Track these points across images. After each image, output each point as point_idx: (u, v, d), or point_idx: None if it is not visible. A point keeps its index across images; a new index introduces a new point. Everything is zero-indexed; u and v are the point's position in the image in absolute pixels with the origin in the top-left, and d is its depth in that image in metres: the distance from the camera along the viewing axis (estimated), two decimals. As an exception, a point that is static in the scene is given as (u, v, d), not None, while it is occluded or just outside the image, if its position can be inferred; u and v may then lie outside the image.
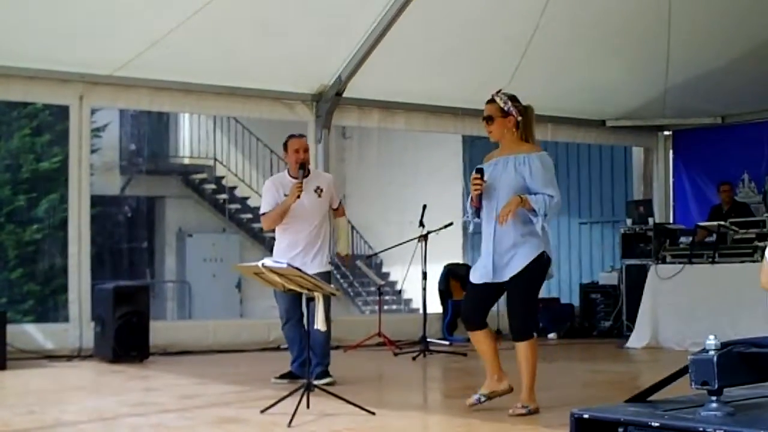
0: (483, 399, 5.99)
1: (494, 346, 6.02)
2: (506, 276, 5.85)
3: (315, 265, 7.24)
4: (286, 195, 7.30)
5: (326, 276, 7.26)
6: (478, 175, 5.93)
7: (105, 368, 8.95)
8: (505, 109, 5.98)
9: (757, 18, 10.77)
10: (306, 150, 7.51)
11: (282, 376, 7.52)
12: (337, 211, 7.76)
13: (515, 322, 5.92)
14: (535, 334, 5.93)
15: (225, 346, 10.38)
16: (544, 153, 6.03)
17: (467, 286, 6.19)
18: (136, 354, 9.27)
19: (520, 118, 5.98)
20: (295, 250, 7.30)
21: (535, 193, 5.82)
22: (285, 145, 7.59)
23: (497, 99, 6.01)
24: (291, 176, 7.46)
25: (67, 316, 10.00)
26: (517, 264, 5.83)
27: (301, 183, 7.22)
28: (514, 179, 5.89)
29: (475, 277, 6.00)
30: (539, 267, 5.88)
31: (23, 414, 6.19)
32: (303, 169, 7.35)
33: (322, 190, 7.46)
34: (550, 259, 5.92)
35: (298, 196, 7.18)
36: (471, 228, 6.44)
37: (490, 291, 5.96)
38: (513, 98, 6.04)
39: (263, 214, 7.50)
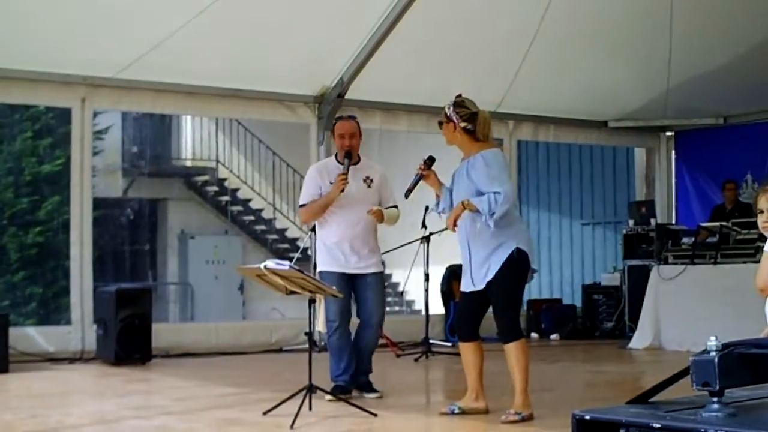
0: (457, 411, 5.95)
1: (479, 362, 5.95)
2: (485, 282, 5.81)
3: (370, 264, 6.76)
4: (332, 183, 6.69)
5: (380, 277, 6.83)
6: (428, 162, 6.08)
7: (107, 371, 8.95)
8: (448, 114, 5.99)
9: (758, 18, 10.76)
10: (353, 135, 6.81)
11: (333, 391, 6.58)
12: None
13: (500, 324, 5.87)
14: (524, 335, 5.91)
15: (227, 349, 10.38)
16: (490, 150, 5.91)
17: (460, 294, 6.15)
18: (138, 356, 9.28)
19: (462, 124, 5.93)
20: (345, 248, 6.74)
21: (483, 193, 5.75)
22: (333, 130, 7.04)
23: (446, 105, 6.02)
24: (338, 161, 6.83)
25: (69, 319, 10.00)
26: (492, 269, 5.78)
27: (346, 173, 6.61)
28: (467, 184, 5.88)
29: (463, 284, 6.00)
30: (515, 265, 5.79)
31: (26, 417, 6.20)
32: (349, 157, 6.70)
33: (372, 181, 6.81)
34: (526, 253, 5.81)
35: (342, 190, 6.60)
36: (440, 215, 6.37)
37: (478, 298, 5.88)
38: (459, 104, 5.99)
39: (302, 206, 6.88)
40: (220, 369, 9.14)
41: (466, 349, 5.98)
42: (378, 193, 6.85)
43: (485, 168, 5.80)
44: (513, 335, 5.81)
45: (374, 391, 6.84)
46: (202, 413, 6.28)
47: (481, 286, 5.83)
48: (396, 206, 6.92)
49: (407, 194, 6.19)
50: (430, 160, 6.13)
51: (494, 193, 5.69)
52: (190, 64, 10.14)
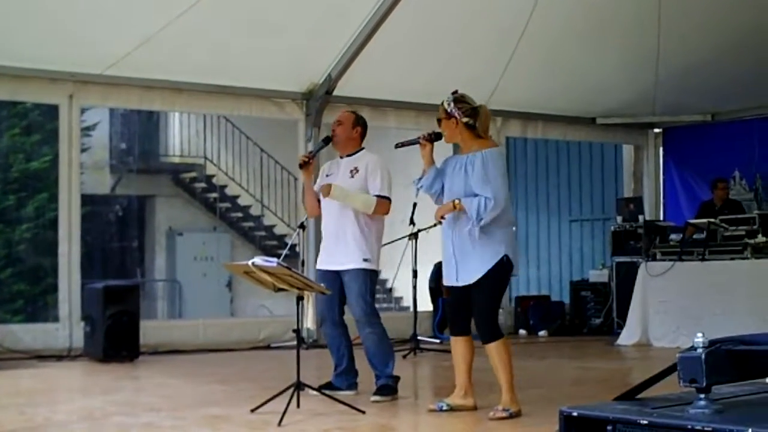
0: (445, 408, 5.94)
1: (469, 356, 5.96)
2: (468, 280, 5.81)
3: (349, 260, 6.53)
4: (327, 176, 6.69)
5: (361, 274, 6.52)
6: (432, 135, 6.03)
7: (95, 368, 8.93)
8: (448, 110, 5.94)
9: (745, 14, 10.79)
10: (338, 123, 6.73)
11: (322, 387, 6.52)
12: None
13: (480, 325, 5.87)
14: (503, 334, 5.90)
15: (215, 345, 10.37)
16: (491, 149, 5.87)
17: (446, 289, 6.14)
18: (126, 353, 9.25)
19: (464, 120, 5.89)
20: (325, 241, 6.69)
21: (476, 195, 5.74)
22: None
23: (444, 101, 5.98)
24: (340, 156, 6.78)
25: (56, 316, 9.98)
26: (478, 269, 5.77)
27: (309, 155, 6.65)
28: (464, 180, 5.86)
29: (446, 279, 6.00)
30: (500, 271, 5.79)
31: (13, 414, 6.17)
32: (325, 141, 6.78)
33: (357, 171, 6.60)
34: (511, 262, 5.81)
35: (300, 165, 6.59)
36: (416, 194, 6.40)
37: (465, 293, 5.88)
38: (460, 99, 5.95)
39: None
40: (207, 366, 9.12)
41: (457, 343, 5.98)
42: (363, 182, 6.59)
43: (482, 169, 5.78)
44: (494, 335, 5.81)
45: (389, 392, 6.56)
46: (190, 410, 6.26)
47: (464, 283, 5.84)
48: (378, 196, 6.56)
49: (397, 146, 6.29)
50: (436, 137, 6.06)
51: (485, 198, 5.69)
52: (178, 61, 10.12)
